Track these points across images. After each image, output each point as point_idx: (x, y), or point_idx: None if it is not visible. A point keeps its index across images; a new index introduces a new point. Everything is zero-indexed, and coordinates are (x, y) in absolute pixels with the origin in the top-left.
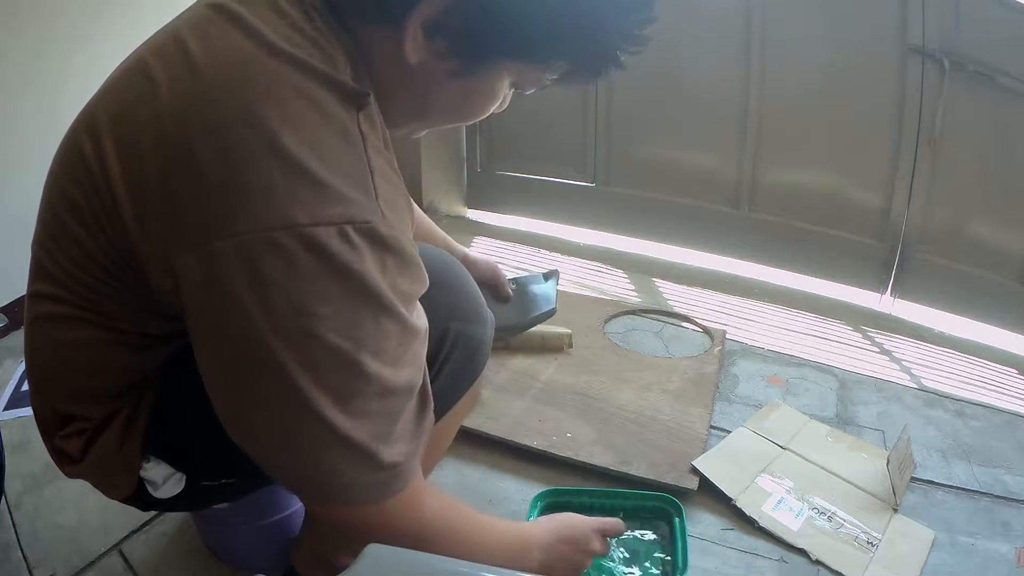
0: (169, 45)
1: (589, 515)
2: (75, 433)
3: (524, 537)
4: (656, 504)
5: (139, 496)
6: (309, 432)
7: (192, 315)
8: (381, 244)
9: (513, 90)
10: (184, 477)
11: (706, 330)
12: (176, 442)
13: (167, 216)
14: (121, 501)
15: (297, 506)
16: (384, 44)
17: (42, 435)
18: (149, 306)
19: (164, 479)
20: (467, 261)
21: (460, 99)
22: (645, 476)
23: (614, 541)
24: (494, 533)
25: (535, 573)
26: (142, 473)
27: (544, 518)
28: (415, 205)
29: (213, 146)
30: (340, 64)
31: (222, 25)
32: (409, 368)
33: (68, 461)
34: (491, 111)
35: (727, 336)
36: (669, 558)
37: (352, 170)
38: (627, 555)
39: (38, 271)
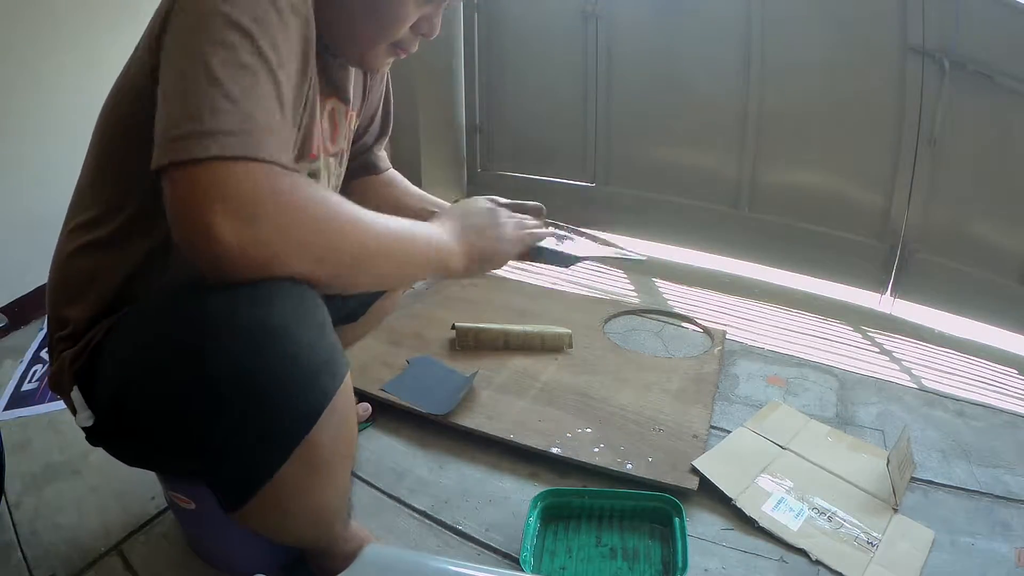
0: None
1: (590, 515)
2: (66, 336)
3: (437, 238)
4: (656, 504)
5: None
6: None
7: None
8: None
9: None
10: (92, 417)
11: (706, 330)
12: (92, 379)
13: None
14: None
15: None
16: None
17: (48, 330)
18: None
19: (80, 408)
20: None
21: (371, 4)
22: (645, 476)
23: (616, 537)
24: (404, 224)
25: (462, 273)
26: (71, 393)
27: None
28: (395, 175)
29: None
30: None
31: None
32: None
33: (51, 364)
34: (405, 23)
35: (727, 336)
36: (669, 558)
37: None
38: (627, 555)
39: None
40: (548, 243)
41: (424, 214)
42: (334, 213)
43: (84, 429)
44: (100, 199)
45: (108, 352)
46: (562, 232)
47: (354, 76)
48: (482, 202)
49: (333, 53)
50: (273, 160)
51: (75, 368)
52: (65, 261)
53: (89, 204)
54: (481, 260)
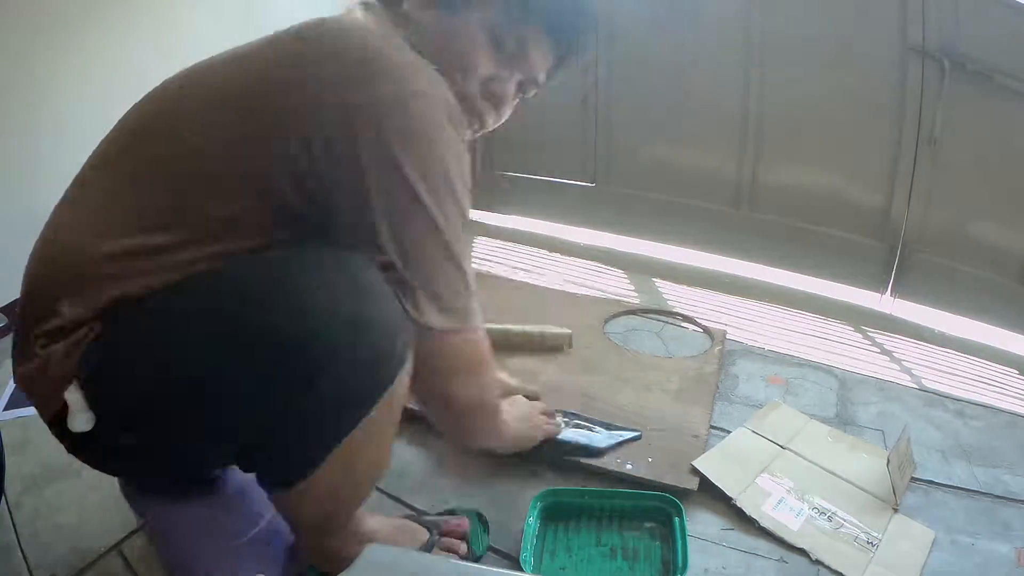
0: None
1: (590, 515)
2: (52, 331)
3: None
4: (656, 504)
5: (61, 426)
6: (433, 243)
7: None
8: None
9: (518, 96)
10: (93, 419)
11: (706, 330)
12: (100, 375)
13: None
14: (48, 425)
15: (264, 521)
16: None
17: (23, 322)
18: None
19: (79, 409)
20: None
21: (447, 46)
22: (645, 476)
23: (616, 537)
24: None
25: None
26: (66, 394)
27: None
28: None
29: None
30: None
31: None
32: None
33: (24, 358)
34: (476, 71)
35: (727, 336)
36: (669, 558)
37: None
38: (627, 555)
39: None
40: (567, 435)
41: None
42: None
43: (68, 437)
44: (180, 228)
45: (149, 333)
46: (567, 420)
47: None
48: (527, 407)
49: None
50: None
51: (70, 364)
52: (90, 262)
53: (155, 227)
54: (516, 444)
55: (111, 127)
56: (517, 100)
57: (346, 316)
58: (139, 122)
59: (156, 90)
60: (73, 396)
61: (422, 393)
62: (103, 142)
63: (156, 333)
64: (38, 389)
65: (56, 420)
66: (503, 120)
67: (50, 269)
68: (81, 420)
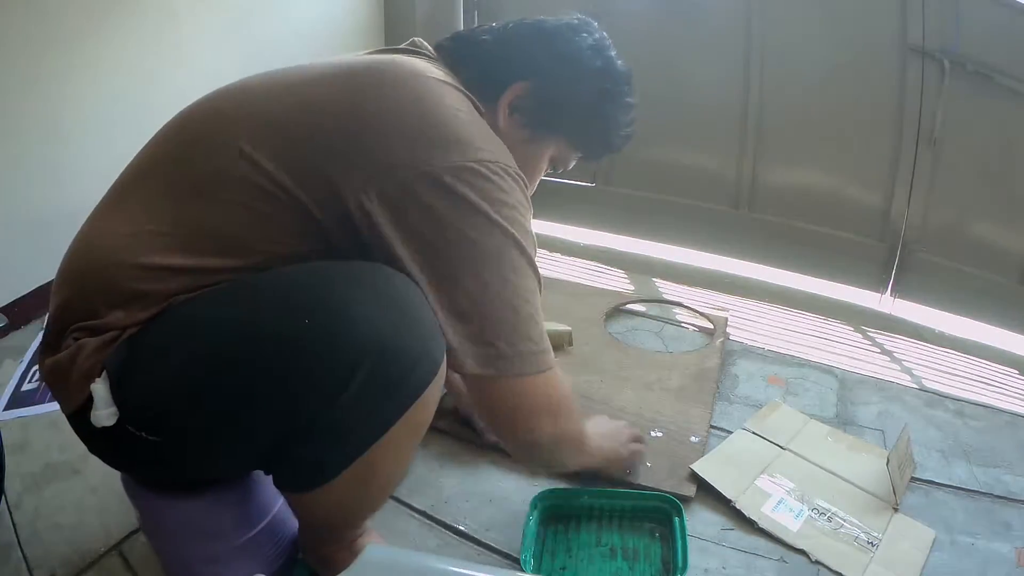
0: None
1: (590, 515)
2: (90, 327)
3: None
4: (656, 504)
5: (82, 419)
6: (505, 296)
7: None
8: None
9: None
10: (117, 414)
11: (708, 317)
12: (128, 370)
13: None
14: (68, 418)
15: (264, 523)
16: (491, 116)
17: (58, 318)
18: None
19: (103, 403)
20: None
21: (523, 159)
22: (643, 483)
23: (616, 537)
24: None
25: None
26: (92, 386)
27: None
28: None
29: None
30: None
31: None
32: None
33: (52, 351)
34: (536, 178)
35: (727, 337)
36: (669, 558)
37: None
38: (627, 555)
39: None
40: None
41: None
42: (575, 421)
43: (88, 430)
44: (231, 257)
45: (175, 336)
46: None
47: None
48: (611, 426)
49: None
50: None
51: (99, 358)
52: (130, 274)
53: (205, 251)
54: (606, 462)
55: (111, 127)
56: None
57: (381, 330)
58: (189, 133)
59: (204, 102)
60: (99, 388)
61: (504, 434)
62: (147, 147)
63: (190, 334)
64: (65, 380)
65: (77, 413)
66: None
67: (90, 273)
68: (104, 415)
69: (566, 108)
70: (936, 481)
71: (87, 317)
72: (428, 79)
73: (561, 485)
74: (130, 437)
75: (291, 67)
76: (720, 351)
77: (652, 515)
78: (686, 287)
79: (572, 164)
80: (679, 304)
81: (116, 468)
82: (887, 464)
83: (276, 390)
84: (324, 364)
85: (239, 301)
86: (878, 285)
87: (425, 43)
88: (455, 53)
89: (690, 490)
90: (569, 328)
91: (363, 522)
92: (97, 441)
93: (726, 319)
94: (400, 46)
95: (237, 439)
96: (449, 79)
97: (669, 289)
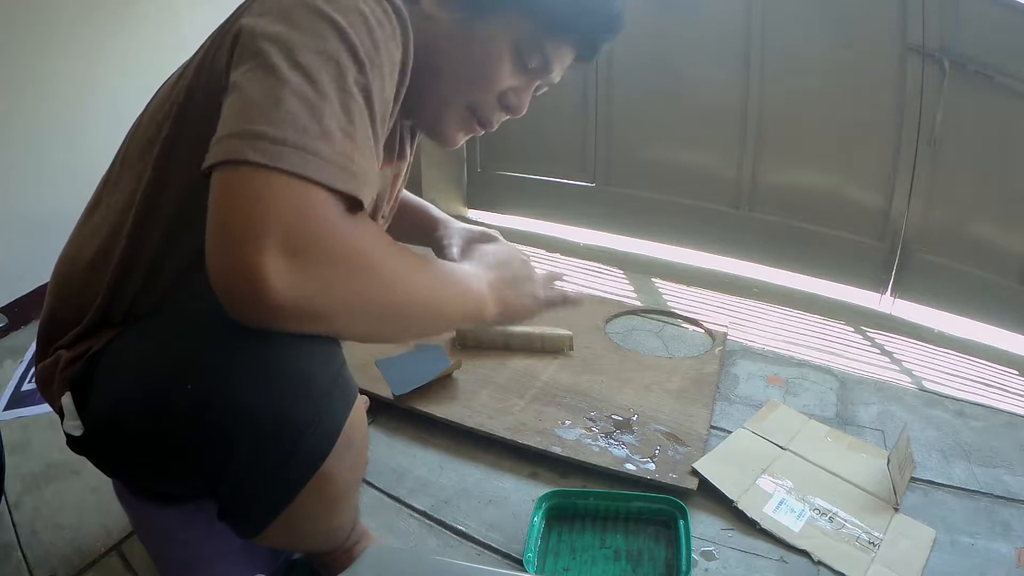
0: None
1: (595, 517)
2: (71, 337)
3: (476, 290)
4: (660, 506)
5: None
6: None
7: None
8: None
9: (535, 91)
10: (81, 427)
11: (707, 331)
12: (85, 390)
13: None
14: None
15: None
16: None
17: (47, 323)
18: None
19: (70, 415)
20: (447, 227)
21: (471, 56)
22: (644, 476)
23: (620, 539)
24: (445, 273)
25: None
26: (62, 398)
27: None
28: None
29: None
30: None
31: None
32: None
33: (40, 357)
34: (499, 79)
35: (727, 337)
36: (673, 561)
37: None
38: (631, 557)
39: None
40: None
41: (425, 223)
42: (390, 266)
43: (71, 436)
44: (141, 241)
45: (110, 368)
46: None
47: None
48: (516, 253)
49: (406, 114)
50: (359, 196)
51: (68, 372)
52: (77, 271)
53: (120, 236)
54: (511, 315)
55: (112, 128)
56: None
57: (255, 398)
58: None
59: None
60: (67, 402)
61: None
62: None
63: (116, 371)
64: (48, 387)
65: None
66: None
67: (66, 283)
68: (71, 426)
69: None
70: (936, 481)
71: (66, 328)
72: None
73: (561, 486)
74: (100, 449)
75: None
76: (719, 358)
77: (656, 517)
78: (686, 287)
79: (558, 63)
80: (679, 316)
81: (103, 473)
82: (887, 464)
83: (175, 452)
84: (201, 437)
85: (152, 338)
86: (878, 285)
87: None
88: None
89: (692, 483)
90: (569, 333)
91: (337, 542)
92: (79, 446)
93: (725, 334)
94: None
95: (170, 480)
96: None
97: (669, 289)
